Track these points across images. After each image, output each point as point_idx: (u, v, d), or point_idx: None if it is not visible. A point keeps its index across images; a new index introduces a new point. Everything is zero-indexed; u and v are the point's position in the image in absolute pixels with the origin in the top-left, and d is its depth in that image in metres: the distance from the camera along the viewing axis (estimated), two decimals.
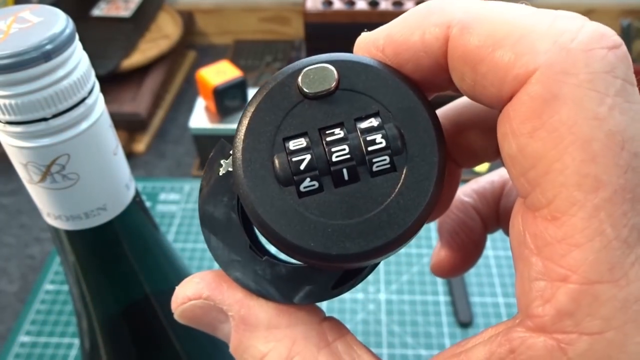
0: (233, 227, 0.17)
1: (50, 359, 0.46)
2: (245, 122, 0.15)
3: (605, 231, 0.12)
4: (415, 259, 0.53)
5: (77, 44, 0.20)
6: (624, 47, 0.13)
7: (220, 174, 0.17)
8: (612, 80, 0.13)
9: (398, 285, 0.50)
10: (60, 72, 0.19)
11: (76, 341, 0.48)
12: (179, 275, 0.30)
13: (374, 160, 0.15)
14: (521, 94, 0.13)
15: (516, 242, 0.14)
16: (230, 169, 0.17)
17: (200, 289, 0.17)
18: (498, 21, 0.14)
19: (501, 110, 0.14)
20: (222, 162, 0.18)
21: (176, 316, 0.18)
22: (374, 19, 0.97)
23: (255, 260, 0.17)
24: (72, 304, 0.38)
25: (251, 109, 0.15)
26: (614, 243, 0.12)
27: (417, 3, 0.98)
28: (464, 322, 0.47)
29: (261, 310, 0.17)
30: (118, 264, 0.26)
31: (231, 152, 0.17)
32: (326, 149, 0.15)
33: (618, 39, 0.13)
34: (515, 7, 0.14)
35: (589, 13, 1.56)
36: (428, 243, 0.54)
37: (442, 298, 0.49)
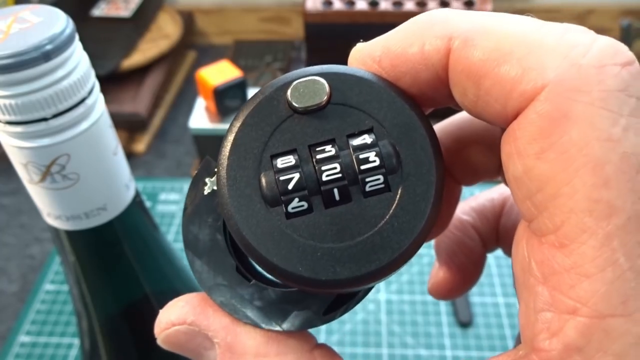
0: (219, 250, 0.16)
1: (50, 359, 0.46)
2: (231, 137, 0.14)
3: (618, 261, 0.11)
4: (415, 259, 0.53)
5: (77, 44, 0.20)
6: (637, 64, 0.12)
7: (206, 192, 0.17)
8: (626, 99, 0.12)
9: (398, 285, 0.50)
10: (60, 72, 0.19)
11: (76, 341, 0.48)
12: (179, 275, 0.30)
13: (367, 179, 0.14)
14: (528, 111, 0.12)
15: (520, 268, 0.13)
16: (216, 188, 0.16)
17: (185, 314, 0.16)
18: (503, 34, 0.13)
19: (505, 128, 0.13)
20: (207, 180, 0.17)
21: (159, 342, 0.17)
22: (374, 19, 0.97)
23: (242, 284, 0.16)
24: (72, 304, 0.38)
25: (237, 124, 0.15)
26: (627, 274, 0.11)
27: (417, 3, 0.98)
28: (464, 322, 0.47)
29: (249, 337, 0.16)
30: (118, 264, 0.26)
31: (216, 169, 0.17)
32: (316, 167, 0.14)
33: (631, 55, 0.12)
34: (521, 20, 0.13)
35: (589, 13, 1.56)
36: (429, 243, 0.54)
37: None
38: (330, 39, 0.99)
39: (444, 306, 0.49)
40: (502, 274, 0.51)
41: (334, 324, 0.48)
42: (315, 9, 0.99)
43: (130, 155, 1.32)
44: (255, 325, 0.16)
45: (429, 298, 0.49)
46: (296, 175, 0.14)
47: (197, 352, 0.17)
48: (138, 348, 0.29)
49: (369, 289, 0.16)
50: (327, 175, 0.14)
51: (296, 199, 0.14)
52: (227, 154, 0.14)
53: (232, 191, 0.14)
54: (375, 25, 0.96)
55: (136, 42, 1.44)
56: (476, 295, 0.49)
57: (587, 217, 0.12)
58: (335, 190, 0.14)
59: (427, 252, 0.53)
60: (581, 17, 1.57)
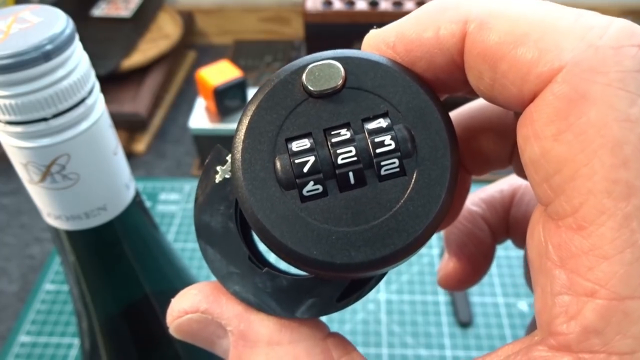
0: (231, 238, 0.16)
1: (50, 359, 0.46)
2: (246, 121, 0.14)
3: (638, 242, 0.11)
4: (415, 258, 0.53)
5: (77, 44, 0.20)
6: None
7: (217, 181, 0.17)
8: None
9: (398, 285, 0.50)
10: (60, 72, 0.19)
11: (76, 341, 0.48)
12: (179, 275, 0.30)
13: (382, 163, 0.14)
14: (545, 93, 0.12)
15: (536, 253, 0.13)
16: (227, 176, 0.17)
17: (198, 302, 0.16)
18: (519, 17, 0.13)
19: (521, 111, 0.13)
20: (218, 168, 0.17)
21: (171, 330, 0.17)
22: (374, 19, 0.97)
23: (255, 272, 0.16)
24: (72, 304, 0.38)
25: (252, 108, 0.15)
26: None
27: (418, 3, 0.97)
28: (464, 322, 0.47)
29: (262, 325, 0.16)
30: (118, 264, 0.26)
31: (228, 157, 0.16)
32: (331, 151, 0.14)
33: None
34: (537, 3, 0.13)
35: None
36: (428, 242, 0.54)
37: (442, 298, 0.49)
38: (330, 39, 0.99)
39: (444, 306, 0.49)
40: (502, 274, 0.51)
41: (334, 323, 0.48)
42: (315, 9, 0.99)
43: (130, 155, 1.32)
44: (268, 312, 0.16)
45: (429, 298, 0.49)
46: (311, 159, 0.14)
47: (210, 340, 0.17)
48: (138, 348, 0.29)
49: (382, 276, 0.16)
50: (343, 159, 0.14)
51: (311, 182, 0.14)
52: (243, 136, 0.14)
53: (246, 174, 0.14)
54: (375, 25, 0.95)
55: (136, 42, 1.44)
56: (476, 295, 0.49)
57: (606, 198, 0.11)
58: (351, 174, 0.14)
59: (428, 252, 0.53)
60: None
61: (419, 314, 0.48)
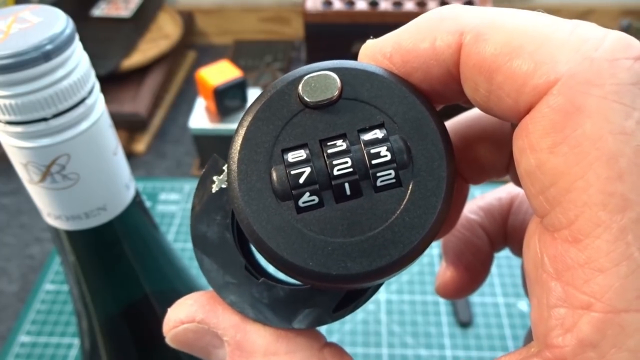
0: (227, 248, 0.16)
1: (50, 359, 0.46)
2: (242, 131, 0.15)
3: (633, 255, 0.11)
4: None
5: (77, 44, 0.20)
6: None
7: (214, 191, 0.17)
8: (638, 92, 0.12)
9: (398, 285, 0.50)
10: (60, 72, 0.19)
11: (76, 341, 0.48)
12: (179, 275, 0.30)
13: (378, 174, 0.14)
14: (541, 105, 0.12)
15: (532, 264, 0.13)
16: (224, 186, 0.17)
17: (194, 312, 0.16)
18: (515, 29, 0.13)
19: (517, 123, 0.13)
20: (215, 178, 0.17)
21: (168, 340, 0.17)
22: (374, 20, 0.97)
23: (251, 282, 0.16)
24: (72, 304, 0.38)
25: (248, 118, 0.15)
26: None
27: (417, 3, 0.97)
28: (464, 322, 0.47)
29: (258, 335, 0.16)
30: (118, 264, 0.26)
31: (225, 167, 0.16)
32: (327, 162, 0.14)
33: None
34: (532, 15, 0.13)
35: (589, 13, 1.56)
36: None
37: (442, 298, 0.49)
38: (330, 39, 0.99)
39: (444, 306, 0.49)
40: (502, 274, 0.51)
41: (334, 323, 0.48)
42: (315, 9, 0.99)
43: (130, 155, 1.32)
44: (265, 323, 0.16)
45: (429, 298, 0.49)
46: (307, 170, 0.14)
47: (206, 350, 0.17)
48: (138, 348, 0.29)
49: (379, 286, 0.16)
50: (338, 170, 0.14)
51: (307, 193, 0.14)
52: (239, 147, 0.14)
53: (243, 185, 0.14)
54: (375, 25, 0.96)
55: (136, 42, 1.45)
56: (476, 295, 0.49)
57: (601, 210, 0.12)
58: (347, 185, 0.14)
59: (428, 252, 0.53)
60: (581, 17, 1.56)
61: (419, 314, 0.48)
